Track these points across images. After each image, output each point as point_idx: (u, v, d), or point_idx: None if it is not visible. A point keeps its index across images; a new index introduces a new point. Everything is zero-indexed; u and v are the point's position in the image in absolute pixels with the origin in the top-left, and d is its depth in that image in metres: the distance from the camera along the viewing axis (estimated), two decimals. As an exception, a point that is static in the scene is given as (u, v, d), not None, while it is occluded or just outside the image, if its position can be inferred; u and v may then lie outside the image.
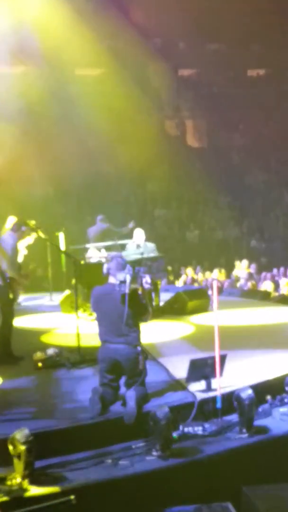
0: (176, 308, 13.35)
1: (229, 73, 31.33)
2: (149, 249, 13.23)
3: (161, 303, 13.43)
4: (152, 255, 13.22)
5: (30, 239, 13.48)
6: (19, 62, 24.75)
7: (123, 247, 13.51)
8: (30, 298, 15.70)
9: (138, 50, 26.48)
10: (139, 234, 13.38)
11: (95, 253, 13.37)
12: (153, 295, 12.73)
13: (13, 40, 21.06)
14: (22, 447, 6.30)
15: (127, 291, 7.64)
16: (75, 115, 23.44)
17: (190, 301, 13.46)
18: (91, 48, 22.36)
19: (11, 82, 22.29)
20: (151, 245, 13.37)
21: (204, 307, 13.47)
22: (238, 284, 18.69)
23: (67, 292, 13.81)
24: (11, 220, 11.01)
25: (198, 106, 29.82)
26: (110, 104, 23.84)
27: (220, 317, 8.21)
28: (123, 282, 7.68)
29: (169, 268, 18.13)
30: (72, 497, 5.80)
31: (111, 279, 7.94)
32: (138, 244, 13.21)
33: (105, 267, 8.05)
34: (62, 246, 14.11)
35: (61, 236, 14.38)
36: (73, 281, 13.60)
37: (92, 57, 23.43)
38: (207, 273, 19.84)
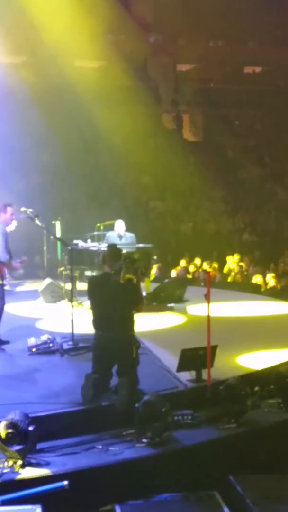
0: (163, 297, 13.46)
1: (226, 69, 31.49)
2: (130, 239, 13.54)
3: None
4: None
5: (12, 226, 13.45)
6: (19, 52, 24.80)
7: (101, 237, 13.69)
8: (25, 284, 15.83)
9: (138, 44, 26.57)
10: (120, 225, 13.63)
11: (82, 244, 13.29)
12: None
13: (14, 30, 21.11)
14: (30, 428, 6.43)
15: (121, 280, 7.74)
16: (74, 106, 23.48)
17: (177, 290, 13.64)
18: (91, 40, 22.41)
19: (11, 72, 22.35)
20: (131, 235, 13.67)
21: (182, 296, 13.67)
22: (229, 277, 18.77)
23: (48, 281, 13.83)
24: None
25: (195, 101, 29.94)
26: (108, 96, 23.93)
27: (211, 308, 8.32)
28: (118, 271, 7.78)
29: (155, 257, 18.13)
30: (66, 482, 5.89)
31: (106, 268, 8.04)
32: (120, 235, 13.51)
33: (100, 256, 8.13)
34: (58, 235, 14.16)
35: (58, 225, 14.44)
36: (60, 269, 13.76)
37: (93, 49, 23.47)
38: (199, 265, 19.86)
